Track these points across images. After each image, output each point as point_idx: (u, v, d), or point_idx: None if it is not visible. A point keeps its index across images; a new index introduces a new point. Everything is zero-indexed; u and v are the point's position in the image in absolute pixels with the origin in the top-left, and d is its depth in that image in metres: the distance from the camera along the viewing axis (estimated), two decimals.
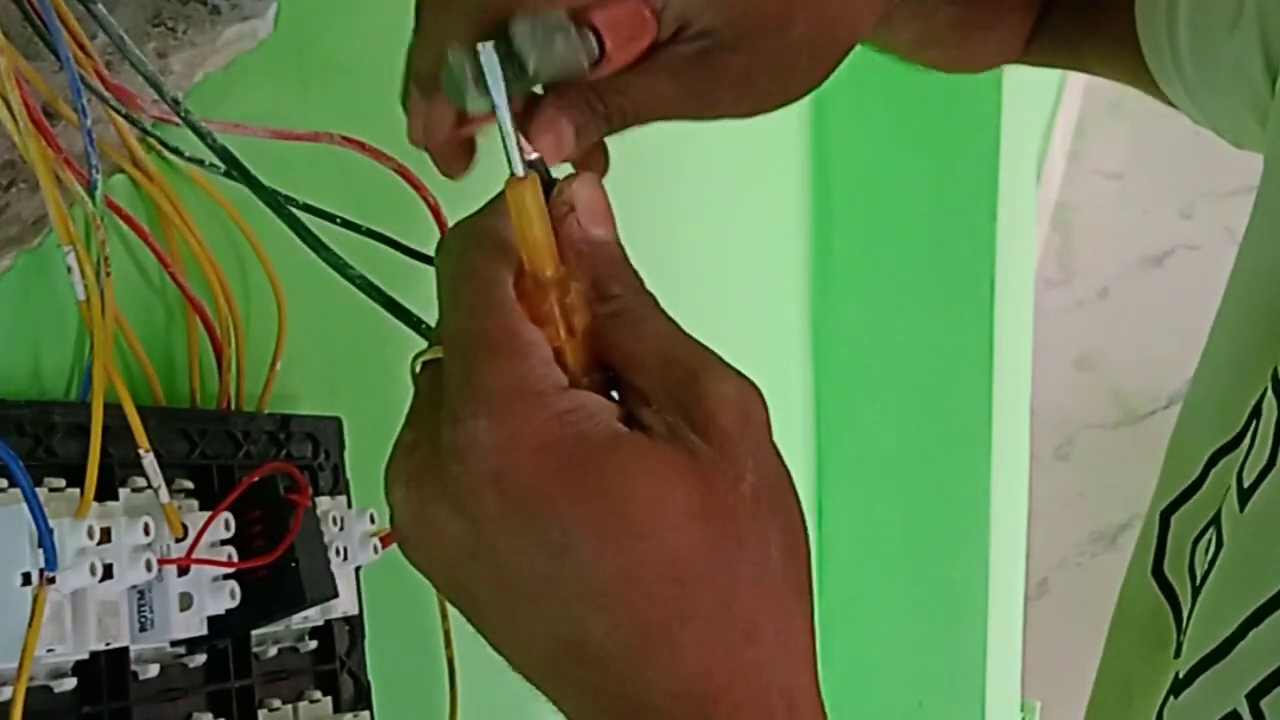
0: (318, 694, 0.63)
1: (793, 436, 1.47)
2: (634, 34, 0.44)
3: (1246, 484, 0.46)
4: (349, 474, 0.66)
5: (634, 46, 0.44)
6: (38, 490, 0.47)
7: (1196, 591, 0.48)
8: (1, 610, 0.47)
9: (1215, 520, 0.48)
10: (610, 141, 0.48)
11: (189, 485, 0.58)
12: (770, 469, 0.38)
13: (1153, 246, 2.99)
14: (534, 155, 0.39)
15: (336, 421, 0.66)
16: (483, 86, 0.38)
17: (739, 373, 0.38)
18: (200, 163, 0.56)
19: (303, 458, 0.64)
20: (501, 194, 0.38)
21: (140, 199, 0.59)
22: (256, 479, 0.57)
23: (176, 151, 0.57)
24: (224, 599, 0.55)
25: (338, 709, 0.64)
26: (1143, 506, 0.54)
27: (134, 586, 0.52)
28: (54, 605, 0.49)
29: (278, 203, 0.50)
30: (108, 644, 0.52)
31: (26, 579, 0.47)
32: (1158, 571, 0.52)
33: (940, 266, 1.44)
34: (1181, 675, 0.46)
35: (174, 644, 0.56)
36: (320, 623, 0.64)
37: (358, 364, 0.72)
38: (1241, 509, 0.46)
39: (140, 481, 0.54)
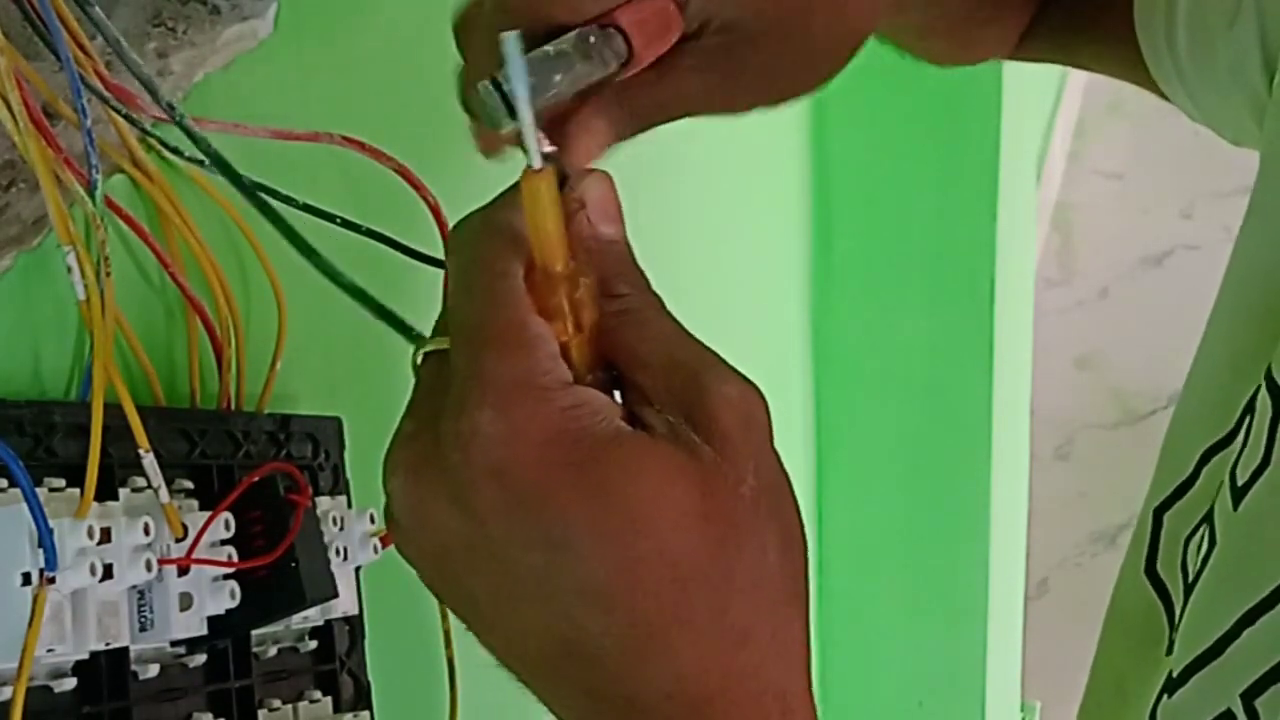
0: (318, 694, 0.63)
1: (793, 436, 1.47)
2: (660, 32, 0.44)
3: (1240, 482, 0.46)
4: (349, 474, 0.66)
5: (661, 44, 0.44)
6: (38, 490, 0.47)
7: (1189, 589, 0.48)
8: (1, 610, 0.47)
9: (1208, 518, 0.48)
10: None
11: (189, 485, 0.58)
12: (770, 473, 0.38)
13: (1153, 246, 2.99)
14: (550, 149, 0.38)
15: (336, 421, 0.66)
16: (509, 110, 0.37)
17: (742, 376, 0.38)
18: (200, 163, 0.56)
19: (303, 458, 0.64)
20: (515, 186, 0.38)
21: (140, 199, 0.59)
22: (256, 479, 0.57)
23: (176, 151, 0.57)
24: (224, 599, 0.55)
25: (338, 709, 0.64)
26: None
27: (134, 586, 0.52)
28: (54, 605, 0.49)
29: (272, 210, 0.49)
30: (108, 644, 0.52)
31: (26, 579, 0.47)
32: (1150, 569, 0.52)
33: (940, 266, 1.43)
34: (1175, 674, 0.46)
35: (174, 644, 0.56)
36: (320, 623, 0.64)
37: (358, 364, 0.72)
38: (1235, 507, 0.46)
39: (140, 481, 0.54)
